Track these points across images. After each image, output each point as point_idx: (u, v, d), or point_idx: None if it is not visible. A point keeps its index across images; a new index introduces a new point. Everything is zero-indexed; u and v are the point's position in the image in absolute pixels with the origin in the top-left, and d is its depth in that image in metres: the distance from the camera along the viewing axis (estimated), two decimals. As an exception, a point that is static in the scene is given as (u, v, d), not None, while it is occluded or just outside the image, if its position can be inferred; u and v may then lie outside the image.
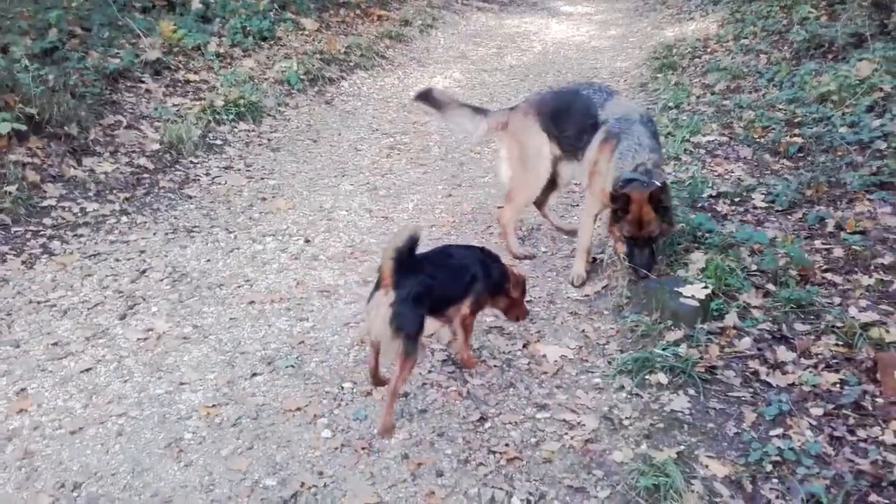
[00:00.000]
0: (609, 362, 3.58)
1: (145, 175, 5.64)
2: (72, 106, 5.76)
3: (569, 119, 4.39)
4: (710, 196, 5.11)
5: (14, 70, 5.57)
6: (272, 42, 8.86)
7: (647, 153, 3.99)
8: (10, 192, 4.84)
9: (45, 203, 4.97)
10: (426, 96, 5.00)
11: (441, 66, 9.88)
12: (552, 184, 4.75)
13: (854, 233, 4.40)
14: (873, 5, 7.28)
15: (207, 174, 5.86)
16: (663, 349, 3.50)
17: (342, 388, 3.42)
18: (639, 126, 4.08)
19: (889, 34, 6.91)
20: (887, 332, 3.47)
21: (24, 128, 5.24)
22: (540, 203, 4.93)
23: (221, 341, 3.76)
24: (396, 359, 3.03)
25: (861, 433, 2.98)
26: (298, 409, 3.25)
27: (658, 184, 3.87)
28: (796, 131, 6.04)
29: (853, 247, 4.26)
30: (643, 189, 3.85)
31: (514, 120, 4.66)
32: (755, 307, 3.79)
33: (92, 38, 7.20)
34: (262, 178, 5.91)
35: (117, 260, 4.53)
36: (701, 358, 3.45)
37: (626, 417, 3.19)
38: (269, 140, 6.74)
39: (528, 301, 4.17)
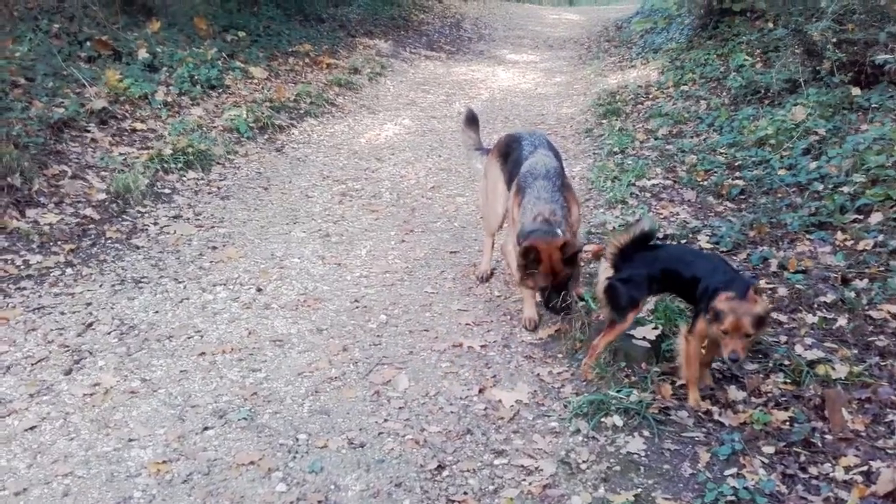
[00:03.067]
0: (565, 406, 3.60)
1: (91, 226, 5.53)
2: (15, 157, 5.63)
3: (508, 165, 4.69)
4: (658, 238, 5.22)
5: (-46, 120, 5.46)
6: (221, 90, 8.85)
7: (545, 205, 4.21)
8: (-52, 246, 4.70)
9: (-14, 256, 4.84)
10: (473, 120, 5.52)
11: (391, 113, 9.98)
12: None
13: (797, 272, 4.55)
14: (805, 53, 7.62)
15: (156, 223, 5.77)
16: (618, 391, 3.54)
17: (297, 439, 3.36)
18: (542, 181, 4.30)
19: (821, 80, 7.23)
20: (833, 368, 3.58)
21: (-36, 179, 5.12)
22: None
23: (171, 395, 3.67)
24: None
25: (812, 470, 3.05)
26: (252, 462, 3.18)
27: (559, 233, 4.11)
28: (737, 174, 6.25)
29: (796, 286, 4.40)
30: (549, 238, 4.05)
31: (490, 156, 5.02)
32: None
33: (36, 88, 7.09)
34: (212, 227, 5.85)
35: (62, 313, 4.41)
36: (654, 399, 3.50)
37: (584, 461, 3.20)
38: (218, 188, 6.69)
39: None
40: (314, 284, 5.01)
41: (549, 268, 4.03)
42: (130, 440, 3.31)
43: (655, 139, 7.66)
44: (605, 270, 3.71)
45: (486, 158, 5.12)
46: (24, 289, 4.64)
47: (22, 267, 4.84)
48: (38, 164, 5.90)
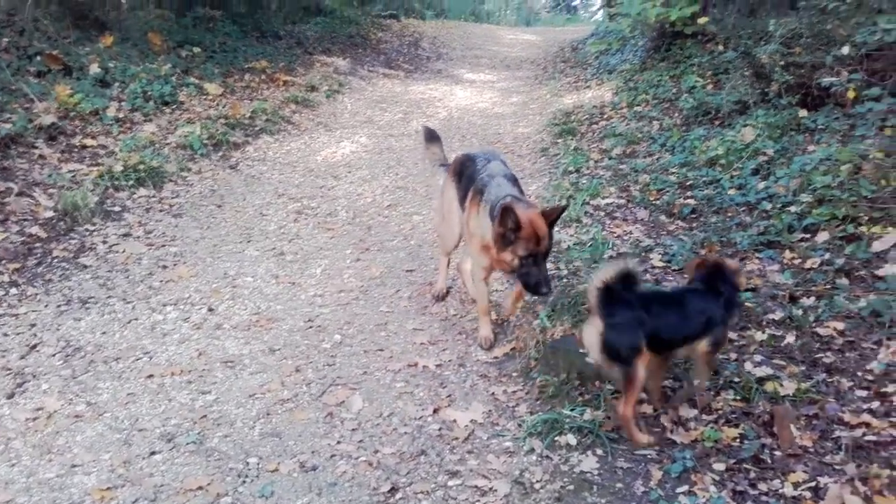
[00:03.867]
0: (519, 425, 3.59)
1: (37, 244, 5.38)
2: (-43, 173, 5.49)
3: (463, 182, 4.59)
4: (611, 256, 5.27)
5: None
6: (174, 107, 8.74)
7: (510, 188, 4.17)
8: None
9: (-75, 276, 4.68)
10: (433, 136, 5.42)
11: (348, 130, 9.95)
12: None
13: (746, 290, 4.62)
14: (754, 75, 7.80)
15: (105, 242, 5.65)
16: (571, 410, 3.54)
17: (247, 463, 3.30)
18: (500, 178, 4.26)
19: (769, 101, 7.40)
20: (781, 385, 3.63)
21: None
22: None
23: (118, 419, 3.58)
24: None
25: (762, 486, 3.07)
26: (200, 487, 3.11)
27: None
28: (689, 193, 6.34)
29: (746, 304, 4.46)
30: (528, 204, 4.04)
31: (446, 175, 4.93)
32: (657, 365, 3.90)
33: (-18, 103, 6.93)
34: (163, 246, 5.75)
35: (5, 335, 4.27)
36: (608, 418, 3.51)
37: (538, 480, 3.19)
38: (170, 206, 6.58)
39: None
40: (267, 304, 4.94)
41: (531, 233, 3.81)
42: (74, 466, 3.21)
43: (609, 159, 7.75)
44: (593, 324, 3.31)
45: (437, 195, 5.08)
46: (-35, 310, 4.50)
47: (-37, 287, 4.70)
48: (-17, 181, 5.75)
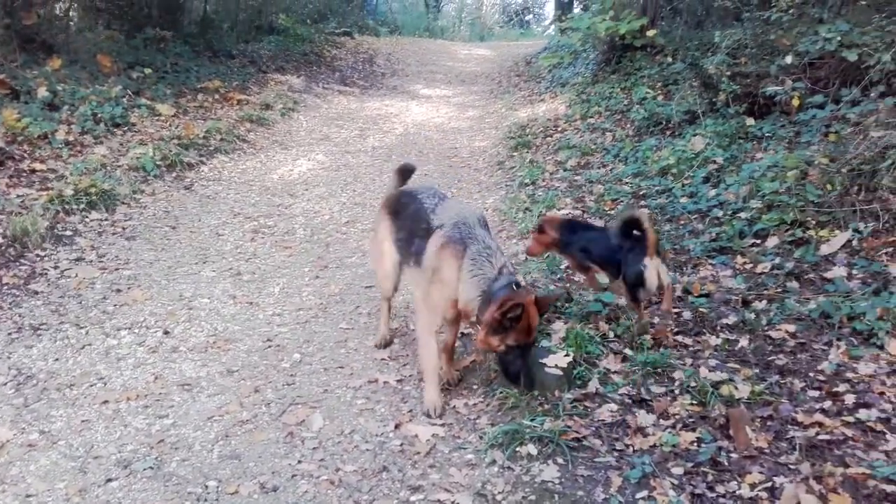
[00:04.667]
0: (480, 437, 3.60)
1: (-15, 271, 5.26)
2: None
3: (402, 223, 4.20)
4: (567, 267, 5.33)
5: None
6: (126, 128, 8.63)
7: (501, 256, 3.77)
8: None
9: None
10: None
11: (304, 148, 9.92)
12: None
13: (700, 296, 4.71)
14: (703, 85, 7.98)
15: (56, 267, 5.53)
16: (531, 420, 3.56)
17: (206, 487, 3.25)
18: (480, 229, 3.85)
19: (718, 111, 7.57)
20: (736, 388, 3.70)
21: None
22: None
23: (72, 446, 3.50)
24: None
25: (720, 489, 3.12)
26: (158, 513, 3.06)
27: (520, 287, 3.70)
28: (642, 203, 6.46)
29: (700, 309, 4.55)
30: (528, 292, 3.67)
31: (379, 213, 4.55)
32: (615, 372, 3.95)
33: (-76, 128, 6.77)
34: (117, 269, 5.65)
35: (-48, 364, 4.16)
36: (567, 426, 3.54)
37: (499, 492, 3.20)
38: (123, 228, 6.47)
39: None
40: (225, 325, 4.89)
41: (525, 325, 3.53)
42: (28, 496, 3.13)
43: (564, 170, 7.85)
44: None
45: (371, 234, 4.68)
46: (-90, 340, 4.37)
47: None
48: (-73, 209, 5.61)
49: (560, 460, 3.35)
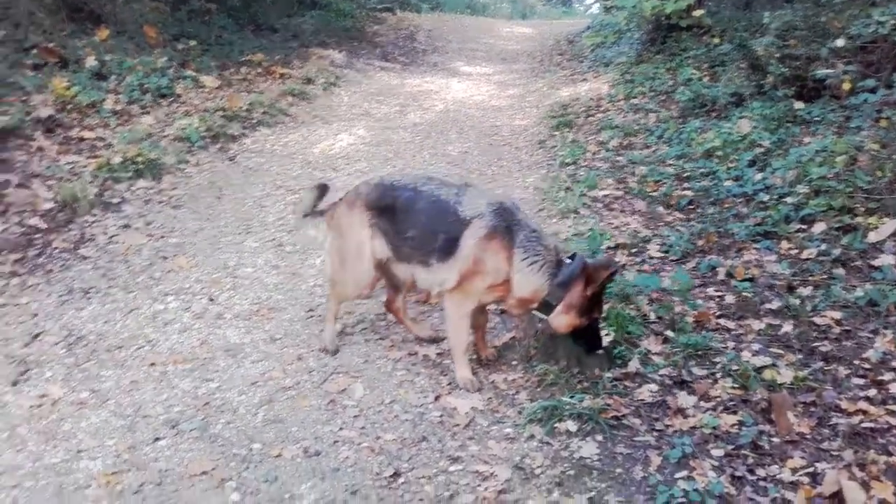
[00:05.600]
0: (519, 412, 3.63)
1: (38, 235, 5.40)
2: (-44, 164, 5.50)
3: (411, 219, 3.91)
4: (609, 247, 5.31)
5: None
6: (171, 99, 8.72)
7: (551, 238, 3.80)
8: None
9: (-73, 266, 4.69)
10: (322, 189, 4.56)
11: (345, 123, 9.94)
12: (393, 284, 4.32)
13: (744, 280, 4.67)
14: (751, 67, 7.84)
15: (105, 233, 5.66)
16: (570, 397, 3.58)
17: (251, 449, 3.34)
18: (521, 214, 3.81)
19: (765, 94, 7.44)
20: (779, 373, 3.68)
21: None
22: (391, 305, 4.45)
23: (121, 405, 3.61)
24: None
25: (760, 472, 3.12)
26: (204, 472, 3.15)
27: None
28: (686, 185, 6.38)
29: (743, 293, 4.51)
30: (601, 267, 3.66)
31: (339, 211, 4.22)
32: (655, 353, 3.95)
33: (-21, 95, 6.92)
34: (163, 237, 5.76)
35: (8, 324, 4.30)
36: (607, 405, 3.55)
37: (538, 466, 3.24)
38: (169, 198, 6.58)
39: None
40: (268, 294, 4.97)
41: (601, 295, 3.71)
42: (79, 451, 3.25)
43: (606, 151, 7.79)
44: None
45: (325, 220, 4.31)
46: (-33, 299, 4.52)
47: (-36, 277, 4.71)
48: (-19, 173, 5.76)
49: (599, 437, 3.37)
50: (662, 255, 5.20)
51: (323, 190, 4.52)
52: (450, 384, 3.92)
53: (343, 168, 7.97)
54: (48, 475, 3.09)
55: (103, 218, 5.90)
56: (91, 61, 8.40)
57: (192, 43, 10.50)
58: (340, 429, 3.51)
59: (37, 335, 4.23)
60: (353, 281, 4.18)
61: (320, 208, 4.43)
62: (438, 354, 4.23)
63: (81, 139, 7.07)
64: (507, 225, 3.72)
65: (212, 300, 4.81)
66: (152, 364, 3.98)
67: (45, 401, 3.60)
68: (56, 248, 5.32)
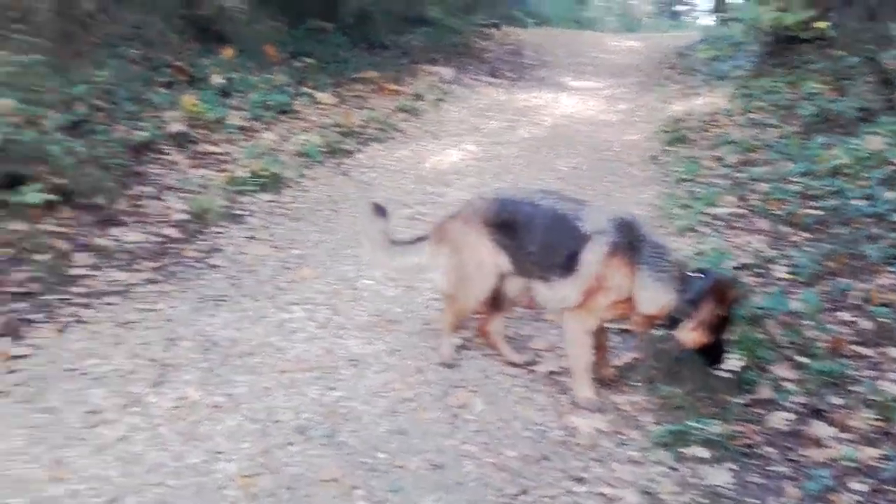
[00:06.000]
0: (644, 435, 3.57)
1: (172, 245, 5.70)
2: (100, 177, 5.87)
3: (531, 235, 3.92)
4: (732, 267, 5.16)
5: (45, 142, 5.67)
6: (291, 115, 9.07)
7: (675, 253, 3.78)
8: (41, 262, 4.90)
9: (75, 272, 5.01)
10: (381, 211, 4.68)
11: (454, 138, 10.06)
12: (496, 305, 4.33)
13: (880, 305, 4.44)
14: (880, 81, 7.48)
15: (232, 244, 5.92)
16: (699, 422, 3.49)
17: (376, 458, 3.40)
18: (644, 229, 3.78)
19: (896, 109, 7.09)
20: (923, 405, 3.48)
21: (55, 198, 5.33)
22: (486, 327, 4.45)
23: (254, 410, 3.75)
24: None
25: (907, 509, 2.96)
26: (334, 479, 3.23)
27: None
28: (812, 203, 6.13)
29: (880, 319, 4.28)
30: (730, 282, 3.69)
31: (455, 227, 4.25)
32: (787, 380, 3.80)
33: (117, 112, 7.38)
34: (286, 248, 5.97)
35: (147, 328, 4.54)
36: (738, 432, 3.44)
37: (667, 492, 3.17)
38: (290, 210, 6.83)
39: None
40: (386, 306, 5.06)
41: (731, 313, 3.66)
42: (217, 453, 3.38)
43: (725, 167, 7.58)
44: None
45: (433, 241, 4.33)
46: (111, 304, 4.79)
47: (108, 283, 5.01)
48: (121, 185, 6.13)
49: (730, 465, 3.28)
50: (789, 276, 5.01)
51: (384, 212, 4.66)
52: (570, 403, 3.90)
53: (454, 183, 8.06)
54: (189, 475, 3.24)
55: (230, 229, 6.17)
56: (217, 79, 8.84)
57: (309, 61, 10.89)
58: (463, 443, 3.53)
59: (173, 340, 4.44)
60: (474, 296, 4.19)
61: (418, 235, 4.51)
62: (555, 372, 4.20)
63: (209, 153, 7.44)
64: (629, 240, 3.68)
65: (334, 311, 4.94)
66: (282, 371, 4.12)
67: (184, 403, 3.78)
68: (188, 257, 5.59)
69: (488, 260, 4.08)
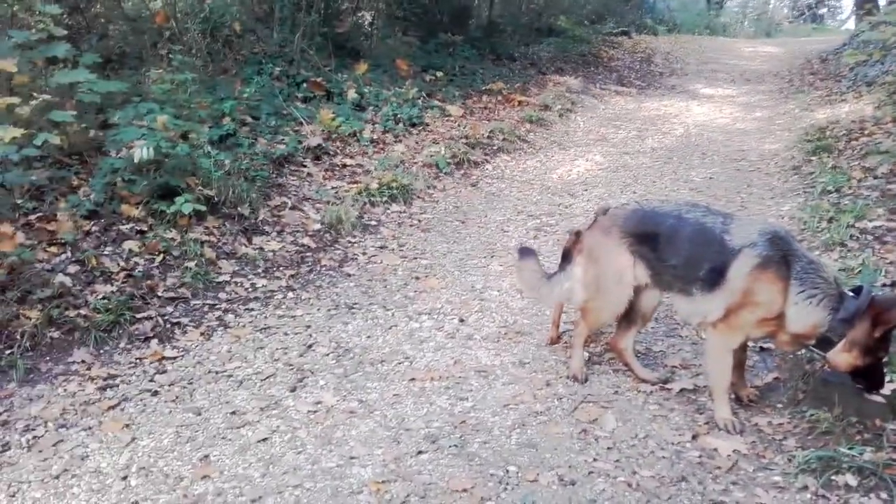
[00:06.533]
0: (789, 459, 3.38)
1: (308, 253, 5.94)
2: (244, 188, 6.21)
3: (674, 247, 3.80)
4: (884, 284, 4.83)
5: (195, 156, 6.04)
6: (421, 128, 9.27)
7: (830, 269, 3.55)
8: (190, 268, 5.22)
9: (220, 278, 5.32)
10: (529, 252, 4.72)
11: (582, 148, 9.96)
12: (629, 320, 4.20)
13: None
14: None
15: (364, 253, 6.10)
16: (850, 448, 3.28)
17: (507, 471, 3.40)
18: (797, 244, 3.62)
19: None
20: None
21: (203, 208, 5.68)
22: (617, 343, 4.31)
23: (386, 417, 3.83)
24: None
25: None
26: (465, 490, 3.25)
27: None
28: (975, 218, 5.65)
29: None
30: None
31: (592, 238, 4.16)
32: (950, 406, 3.51)
33: (260, 126, 7.79)
34: (415, 258, 6.10)
35: (286, 334, 4.75)
36: (892, 460, 3.21)
37: (814, 520, 2.99)
38: (419, 221, 6.97)
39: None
40: (514, 318, 5.07)
41: (890, 334, 3.36)
42: (351, 458, 3.48)
43: (874, 178, 7.09)
44: None
45: (579, 262, 4.19)
46: (252, 310, 5.06)
47: (250, 289, 5.29)
48: (263, 196, 6.46)
49: (884, 495, 3.05)
50: (951, 296, 4.62)
51: (531, 252, 4.70)
52: (707, 423, 3.75)
53: (581, 194, 7.98)
54: (325, 478, 3.34)
55: (363, 239, 6.37)
56: (352, 94, 9.16)
57: (439, 74, 11.10)
58: (594, 460, 3.47)
59: (310, 345, 4.63)
60: (610, 307, 4.10)
61: (565, 261, 4.36)
62: (691, 390, 4.06)
63: (344, 166, 7.71)
64: (782, 255, 3.50)
65: (462, 321, 4.99)
66: (412, 379, 4.20)
67: (320, 407, 3.92)
68: (324, 265, 5.81)
69: (628, 271, 3.97)
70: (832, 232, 5.80)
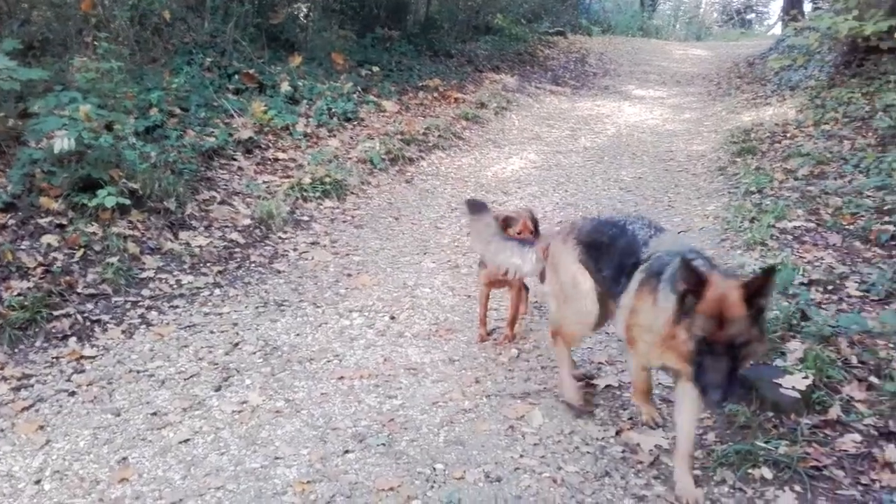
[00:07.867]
0: (708, 454, 3.47)
1: (237, 249, 5.83)
2: (171, 182, 6.05)
3: (607, 257, 3.56)
4: (801, 283, 5.00)
5: (120, 147, 5.86)
6: (355, 123, 9.20)
7: (695, 255, 3.15)
8: (111, 264, 5.07)
9: (144, 275, 5.18)
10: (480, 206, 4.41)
11: (516, 147, 10.05)
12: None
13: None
14: (963, 93, 7.17)
15: (295, 249, 6.02)
16: (766, 442, 3.38)
17: (434, 469, 3.40)
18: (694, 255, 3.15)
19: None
20: None
21: (127, 202, 5.51)
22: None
23: (313, 416, 3.79)
24: None
25: None
26: (391, 488, 3.24)
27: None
28: (887, 219, 5.89)
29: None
30: (724, 277, 2.92)
31: (554, 246, 3.91)
32: (859, 401, 3.65)
33: (189, 118, 7.60)
34: (347, 254, 6.05)
35: (211, 332, 4.65)
36: (806, 453, 3.33)
37: (730, 513, 3.07)
38: (352, 217, 6.92)
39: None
40: (445, 315, 5.07)
41: (714, 309, 2.76)
42: (277, 458, 3.43)
43: (795, 179, 7.35)
44: None
45: (536, 250, 4.05)
46: (177, 307, 4.93)
47: (175, 286, 5.16)
48: (191, 190, 6.31)
49: (798, 488, 3.16)
50: (862, 293, 4.82)
51: (484, 206, 4.40)
52: (630, 419, 3.82)
53: (515, 192, 8.04)
54: (248, 479, 3.29)
55: (294, 235, 6.29)
56: (285, 87, 9.01)
57: (375, 69, 11.03)
58: (521, 456, 3.50)
59: (236, 344, 4.54)
60: (574, 315, 3.77)
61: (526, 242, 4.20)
62: (617, 386, 4.13)
63: (276, 160, 7.59)
64: (660, 266, 3.20)
65: (393, 318, 4.97)
66: (340, 378, 4.16)
67: (245, 407, 3.85)
68: (253, 262, 5.71)
69: (582, 279, 3.69)
70: (754, 232, 5.98)
